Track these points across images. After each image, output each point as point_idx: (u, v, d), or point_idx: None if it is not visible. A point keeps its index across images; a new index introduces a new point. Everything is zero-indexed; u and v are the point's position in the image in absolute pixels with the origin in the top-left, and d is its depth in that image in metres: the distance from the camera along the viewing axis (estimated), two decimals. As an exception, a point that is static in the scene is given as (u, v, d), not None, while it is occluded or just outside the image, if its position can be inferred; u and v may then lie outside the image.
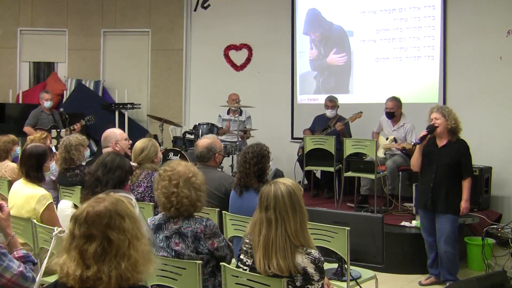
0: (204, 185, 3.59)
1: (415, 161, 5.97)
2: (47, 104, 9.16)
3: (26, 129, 8.94)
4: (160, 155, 5.57)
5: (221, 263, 3.33)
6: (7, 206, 3.27)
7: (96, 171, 4.00)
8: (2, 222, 3.17)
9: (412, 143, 7.28)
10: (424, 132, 5.84)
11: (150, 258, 2.24)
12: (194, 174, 3.55)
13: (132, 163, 5.20)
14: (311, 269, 3.00)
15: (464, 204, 5.67)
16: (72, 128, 8.73)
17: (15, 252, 3.05)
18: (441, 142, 5.81)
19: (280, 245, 2.98)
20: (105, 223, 2.17)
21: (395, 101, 7.84)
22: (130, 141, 5.97)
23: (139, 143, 5.43)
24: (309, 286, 3.01)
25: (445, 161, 5.73)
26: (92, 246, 2.14)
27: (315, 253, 3.04)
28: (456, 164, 5.70)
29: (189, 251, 3.43)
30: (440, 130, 5.75)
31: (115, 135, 5.89)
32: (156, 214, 3.80)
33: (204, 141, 5.49)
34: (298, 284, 3.00)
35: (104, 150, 5.62)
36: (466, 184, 5.70)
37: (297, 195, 3.11)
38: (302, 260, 3.00)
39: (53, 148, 7.07)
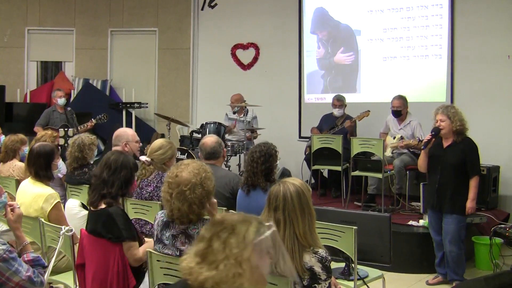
0: (204, 198, 3.38)
1: (422, 163, 5.98)
2: (61, 101, 9.11)
3: (36, 128, 8.95)
4: (174, 162, 5.43)
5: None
6: (19, 207, 3.24)
7: (102, 173, 3.97)
8: (11, 223, 3.15)
9: (418, 139, 7.27)
10: (428, 136, 5.83)
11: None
12: (192, 186, 3.35)
13: (146, 158, 5.19)
14: (318, 268, 2.99)
15: (469, 204, 5.64)
16: (83, 126, 8.73)
17: (24, 255, 3.04)
18: (446, 143, 5.78)
19: (288, 247, 2.96)
20: (217, 230, 2.21)
21: (402, 99, 7.82)
22: (141, 144, 5.93)
23: (159, 141, 5.33)
24: (316, 285, 3.00)
25: (450, 161, 5.70)
26: (200, 245, 2.22)
27: (322, 252, 3.03)
28: (461, 163, 5.66)
29: None
30: (445, 132, 5.73)
31: (127, 135, 5.80)
32: None
33: (211, 138, 5.49)
34: (305, 283, 2.99)
35: (113, 149, 5.59)
36: (472, 183, 5.66)
37: (306, 196, 3.09)
38: (309, 259, 2.99)
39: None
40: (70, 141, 5.88)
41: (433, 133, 5.79)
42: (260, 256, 2.22)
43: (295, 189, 3.07)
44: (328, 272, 3.03)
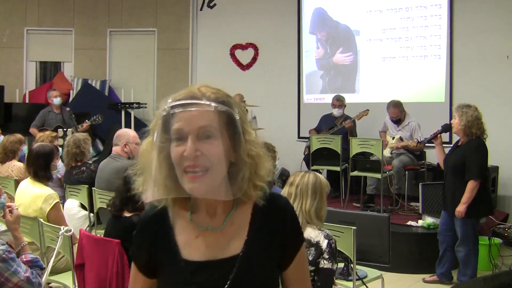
0: None
1: (439, 158, 6.01)
2: (57, 100, 9.10)
3: (31, 130, 8.93)
4: None
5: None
6: (17, 208, 3.26)
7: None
8: (10, 224, 3.17)
9: (416, 141, 7.27)
10: (435, 130, 5.85)
11: None
12: None
13: None
14: (324, 244, 3.23)
15: (458, 207, 5.51)
16: (79, 126, 8.72)
17: (23, 256, 3.05)
18: (459, 143, 5.77)
19: None
20: None
21: (397, 107, 7.80)
22: None
23: None
24: (320, 260, 3.21)
25: (452, 162, 5.69)
26: None
27: (328, 232, 3.34)
28: (461, 165, 5.58)
29: None
30: (455, 130, 5.72)
31: (127, 136, 5.72)
32: None
33: None
34: (310, 258, 3.16)
35: (114, 148, 5.60)
36: (468, 187, 5.50)
37: (322, 186, 3.40)
38: (316, 234, 3.27)
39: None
40: (66, 142, 5.90)
41: (441, 127, 5.80)
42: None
43: (314, 176, 3.43)
44: (333, 254, 3.22)
